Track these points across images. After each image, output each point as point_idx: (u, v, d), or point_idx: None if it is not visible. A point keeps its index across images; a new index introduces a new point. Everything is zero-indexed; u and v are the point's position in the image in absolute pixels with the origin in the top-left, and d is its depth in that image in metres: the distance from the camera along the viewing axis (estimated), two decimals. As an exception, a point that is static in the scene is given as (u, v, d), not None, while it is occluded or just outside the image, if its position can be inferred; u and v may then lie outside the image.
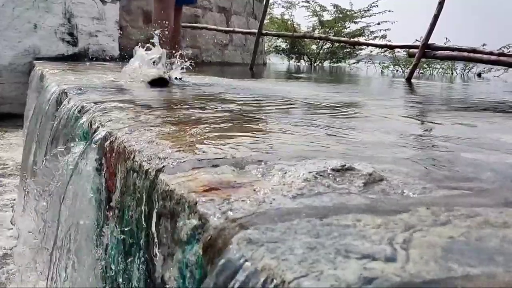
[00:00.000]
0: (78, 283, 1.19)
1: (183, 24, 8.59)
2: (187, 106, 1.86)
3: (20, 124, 5.14)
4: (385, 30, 12.46)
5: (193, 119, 1.46)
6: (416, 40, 6.27)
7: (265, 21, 8.62)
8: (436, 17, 4.92)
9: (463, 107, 2.77)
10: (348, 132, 1.39)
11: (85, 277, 1.18)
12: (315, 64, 13.08)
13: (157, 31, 2.90)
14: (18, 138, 5.06)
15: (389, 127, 1.54)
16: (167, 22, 2.93)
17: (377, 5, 12.58)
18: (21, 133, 5.15)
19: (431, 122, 1.92)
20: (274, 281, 0.48)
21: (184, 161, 0.90)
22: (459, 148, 1.22)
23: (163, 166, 0.88)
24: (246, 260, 0.52)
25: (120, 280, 1.01)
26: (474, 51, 4.94)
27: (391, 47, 7.14)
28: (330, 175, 0.82)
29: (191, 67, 3.18)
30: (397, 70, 11.64)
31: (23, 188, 2.25)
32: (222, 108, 1.81)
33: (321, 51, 13.25)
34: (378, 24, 12.61)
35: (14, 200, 2.74)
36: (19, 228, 2.03)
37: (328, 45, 12.76)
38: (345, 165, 0.85)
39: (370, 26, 12.76)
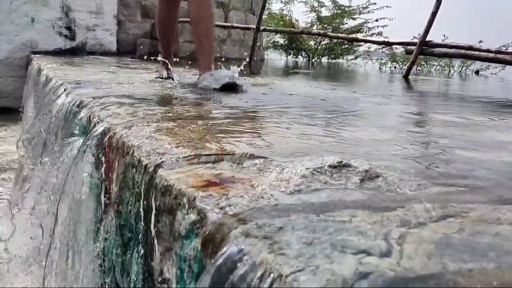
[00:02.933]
0: (77, 277, 1.20)
1: (181, 19, 8.56)
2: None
3: (17, 118, 5.14)
4: (382, 26, 12.46)
5: (192, 115, 1.47)
6: (414, 37, 6.28)
7: (264, 17, 8.61)
8: (434, 14, 4.92)
9: (459, 104, 2.78)
10: (345, 129, 1.40)
11: (83, 271, 1.19)
12: (313, 60, 13.08)
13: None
14: (14, 132, 5.06)
15: (386, 124, 1.55)
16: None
17: (375, 2, 12.58)
18: (17, 127, 5.14)
19: (428, 119, 1.93)
20: (272, 275, 0.49)
21: (182, 156, 0.91)
22: (455, 145, 1.23)
23: (162, 162, 0.89)
24: (244, 255, 0.53)
25: (118, 273, 1.02)
26: (471, 48, 4.95)
27: (389, 44, 7.15)
28: (327, 172, 0.83)
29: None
30: (394, 67, 11.65)
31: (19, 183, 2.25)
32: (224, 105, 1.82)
33: (319, 47, 13.25)
34: (376, 20, 12.60)
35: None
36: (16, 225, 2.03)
37: (326, 41, 12.76)
38: (341, 161, 0.86)
39: (368, 22, 12.76)
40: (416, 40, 5.38)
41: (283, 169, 0.84)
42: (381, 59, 12.14)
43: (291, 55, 13.71)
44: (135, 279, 0.92)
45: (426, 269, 0.49)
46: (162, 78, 2.69)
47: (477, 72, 10.95)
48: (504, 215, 0.67)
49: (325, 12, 13.11)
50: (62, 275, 1.29)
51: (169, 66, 2.81)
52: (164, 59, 2.85)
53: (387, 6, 12.78)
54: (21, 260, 1.79)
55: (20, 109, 4.96)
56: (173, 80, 2.66)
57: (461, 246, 0.55)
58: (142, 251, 0.90)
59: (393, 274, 0.47)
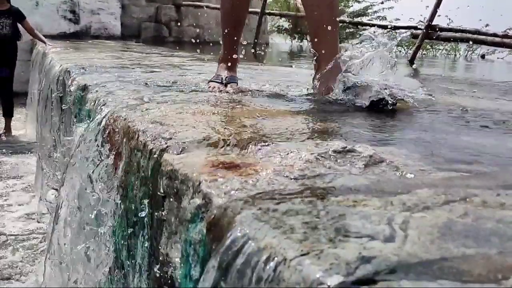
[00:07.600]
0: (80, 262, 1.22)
1: (184, 2, 8.46)
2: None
3: (22, 102, 5.15)
4: (388, 8, 12.36)
5: (197, 101, 1.47)
6: (420, 21, 6.21)
7: (268, 0, 8.52)
8: (440, -2, 4.88)
9: (466, 88, 2.76)
10: (349, 114, 1.39)
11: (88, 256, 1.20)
12: (317, 44, 12.98)
13: None
14: (20, 115, 5.07)
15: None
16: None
17: (381, -15, 12.46)
18: (23, 110, 5.16)
19: (432, 103, 1.92)
20: (276, 259, 0.49)
21: (188, 141, 0.91)
22: (460, 130, 1.23)
23: (167, 146, 0.89)
24: (249, 239, 0.54)
25: (124, 257, 1.03)
26: (478, 32, 4.90)
27: (395, 28, 7.09)
28: (331, 157, 0.83)
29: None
30: (399, 51, 11.57)
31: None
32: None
33: (324, 31, 13.16)
34: (382, 3, 12.50)
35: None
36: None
37: (331, 25, 12.66)
38: (346, 147, 0.87)
39: (374, 5, 12.66)
40: (422, 24, 5.34)
41: (288, 154, 0.84)
42: (386, 43, 12.05)
43: (296, 39, 13.63)
44: (141, 261, 0.93)
45: (429, 254, 0.49)
46: (219, 81, 1.85)
47: (483, 56, 10.86)
48: (507, 200, 0.67)
49: (330, -5, 12.98)
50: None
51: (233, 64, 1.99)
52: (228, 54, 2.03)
53: (393, -11, 12.65)
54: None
55: (26, 94, 4.97)
56: (237, 84, 1.88)
57: (464, 231, 0.55)
58: (147, 234, 0.91)
59: (396, 259, 0.48)
